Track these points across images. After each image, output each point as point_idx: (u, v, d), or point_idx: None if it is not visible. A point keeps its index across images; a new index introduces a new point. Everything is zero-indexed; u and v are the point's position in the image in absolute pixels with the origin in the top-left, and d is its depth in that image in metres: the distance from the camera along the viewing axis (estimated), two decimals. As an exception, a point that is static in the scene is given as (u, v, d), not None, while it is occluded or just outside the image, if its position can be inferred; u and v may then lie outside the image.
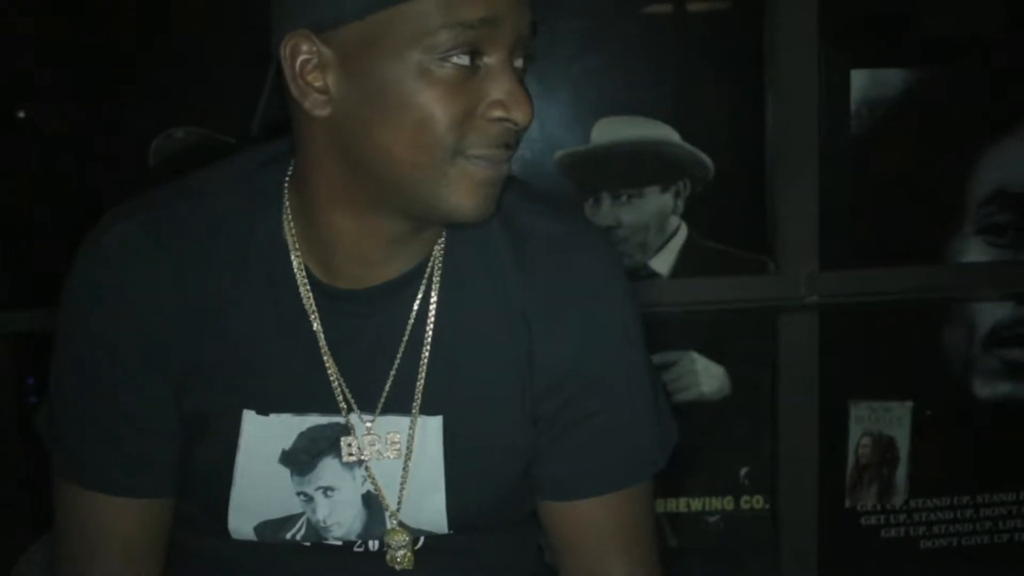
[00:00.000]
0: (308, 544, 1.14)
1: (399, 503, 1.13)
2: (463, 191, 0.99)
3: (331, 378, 1.10)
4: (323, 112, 1.00)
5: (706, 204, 2.33)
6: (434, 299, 1.11)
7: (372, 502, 1.13)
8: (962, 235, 2.37)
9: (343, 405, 1.11)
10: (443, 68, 0.95)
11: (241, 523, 1.12)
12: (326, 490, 1.12)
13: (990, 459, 2.42)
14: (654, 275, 2.35)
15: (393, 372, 1.11)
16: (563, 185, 2.29)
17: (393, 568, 1.15)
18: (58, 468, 1.12)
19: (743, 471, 2.41)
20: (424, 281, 1.11)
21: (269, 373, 1.09)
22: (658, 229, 2.34)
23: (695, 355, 2.39)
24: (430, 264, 1.11)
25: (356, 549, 1.15)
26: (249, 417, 1.09)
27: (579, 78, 2.32)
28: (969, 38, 2.38)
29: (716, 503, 2.42)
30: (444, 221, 1.04)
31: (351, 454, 1.11)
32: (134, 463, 1.10)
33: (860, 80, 2.31)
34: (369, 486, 1.13)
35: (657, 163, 2.32)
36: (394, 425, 1.12)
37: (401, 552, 1.14)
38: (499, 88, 0.97)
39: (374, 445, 1.12)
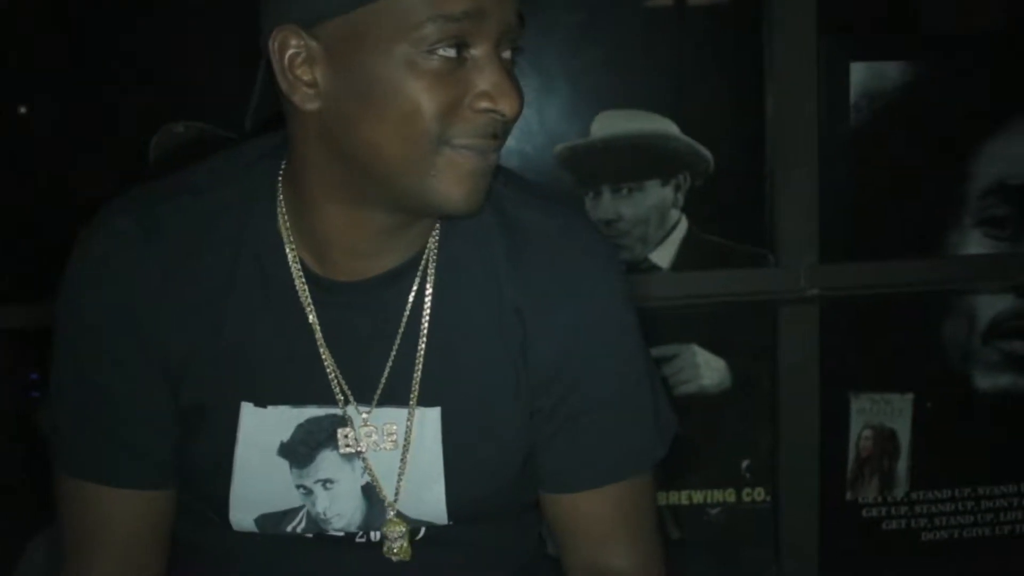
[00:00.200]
0: (310, 536, 1.15)
1: (397, 494, 1.13)
2: (451, 182, 0.99)
3: (328, 370, 1.10)
4: (312, 106, 1.00)
5: (706, 197, 2.33)
6: (429, 291, 1.11)
7: (372, 494, 1.14)
8: (962, 227, 2.37)
9: (340, 397, 1.11)
10: (429, 60, 0.96)
11: (242, 516, 1.12)
12: (325, 483, 1.13)
13: (991, 451, 2.42)
14: (655, 268, 2.35)
15: (389, 364, 1.11)
16: (563, 179, 2.30)
17: (392, 559, 1.15)
18: (59, 462, 1.13)
19: (744, 464, 2.41)
20: (419, 273, 1.11)
21: (266, 365, 1.10)
22: (658, 222, 2.34)
23: (696, 348, 2.39)
24: (425, 256, 1.12)
25: (358, 540, 1.16)
26: (247, 409, 1.10)
27: (579, 71, 2.32)
28: (969, 30, 2.38)
29: (717, 496, 2.42)
30: (434, 212, 1.04)
31: (348, 445, 1.12)
32: (134, 455, 1.10)
33: (860, 73, 2.31)
34: (367, 477, 1.13)
35: (657, 156, 2.33)
36: (391, 416, 1.12)
37: (398, 543, 1.14)
38: (485, 80, 0.98)
39: (371, 436, 1.12)
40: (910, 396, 2.39)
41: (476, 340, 1.12)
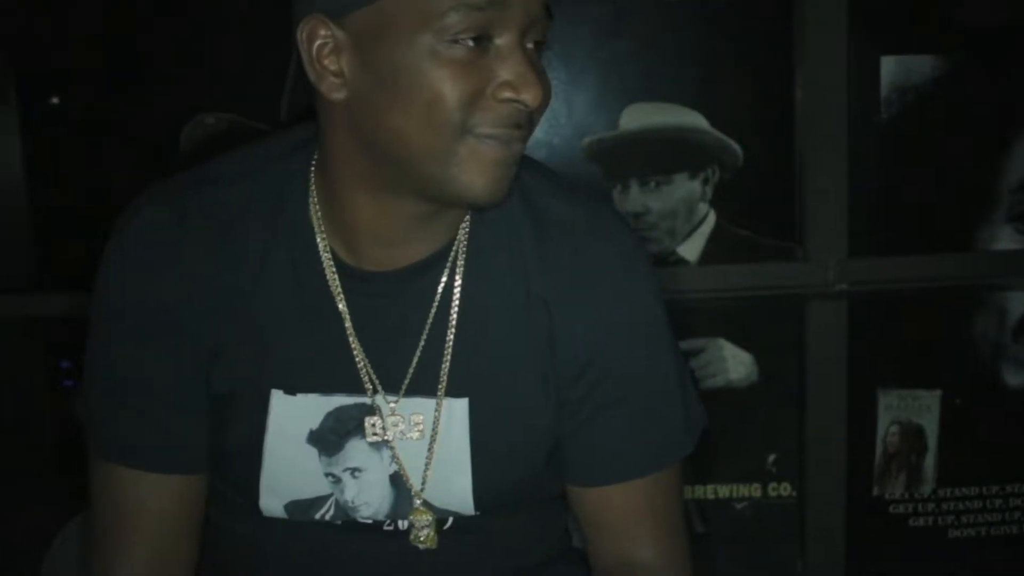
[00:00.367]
0: (338, 523, 1.16)
1: (423, 484, 1.14)
2: (474, 171, 1.00)
3: (357, 359, 1.11)
4: (339, 95, 1.01)
5: (735, 191, 2.33)
6: (458, 282, 1.12)
7: (399, 483, 1.15)
8: (993, 222, 2.35)
9: (369, 386, 1.12)
10: (452, 50, 0.96)
11: (272, 502, 1.14)
12: (354, 471, 1.14)
13: (1019, 448, 2.40)
14: (682, 262, 2.35)
15: (418, 354, 1.12)
16: (591, 171, 2.29)
17: (418, 547, 1.16)
18: (93, 447, 1.14)
19: (771, 458, 2.41)
20: (448, 264, 1.12)
21: (296, 353, 1.11)
22: (686, 216, 2.34)
23: (723, 342, 2.38)
24: (454, 247, 1.12)
25: (386, 528, 1.17)
26: (277, 396, 1.11)
27: (608, 64, 2.32)
28: (1001, 23, 2.36)
29: (743, 490, 2.42)
30: (458, 202, 1.04)
31: (375, 434, 1.13)
32: (166, 440, 1.12)
33: (890, 66, 2.30)
34: (395, 466, 1.14)
35: (686, 150, 2.32)
36: (418, 406, 1.13)
37: (424, 532, 1.15)
38: (509, 69, 0.98)
39: (398, 426, 1.13)
40: (938, 392, 2.38)
41: (504, 331, 1.13)
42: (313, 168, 1.12)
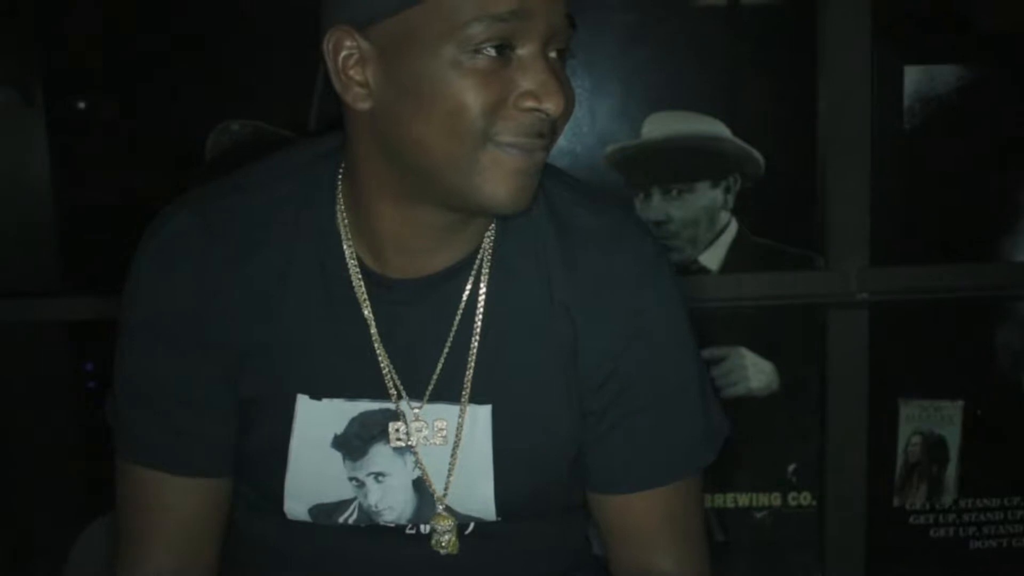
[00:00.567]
0: (361, 526, 1.16)
1: (446, 489, 1.15)
2: (496, 180, 1.00)
3: (382, 365, 1.12)
4: (364, 105, 1.02)
5: (757, 199, 2.33)
6: (483, 290, 1.12)
7: (422, 488, 1.15)
8: (1016, 232, 2.35)
9: (393, 392, 1.13)
10: (475, 60, 0.97)
11: (296, 506, 1.15)
12: (377, 476, 1.14)
13: (1042, 460, 2.40)
14: (704, 270, 2.35)
15: (442, 361, 1.13)
16: (613, 180, 2.30)
17: (440, 552, 1.17)
18: (119, 448, 1.15)
19: (791, 467, 2.40)
20: (473, 272, 1.12)
21: (322, 359, 1.12)
22: (708, 224, 2.34)
23: (744, 351, 2.38)
24: (479, 255, 1.13)
25: (408, 532, 1.17)
26: (303, 401, 1.12)
27: (630, 73, 2.32)
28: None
29: (764, 499, 2.41)
30: (481, 211, 1.05)
31: (399, 439, 1.14)
32: (192, 443, 1.13)
33: (913, 76, 2.29)
34: (418, 472, 1.15)
35: (708, 158, 2.32)
36: (442, 412, 1.13)
37: (446, 537, 1.16)
38: (531, 79, 0.99)
39: (422, 431, 1.13)
40: (960, 403, 2.37)
41: (528, 339, 1.13)
42: (340, 176, 1.13)
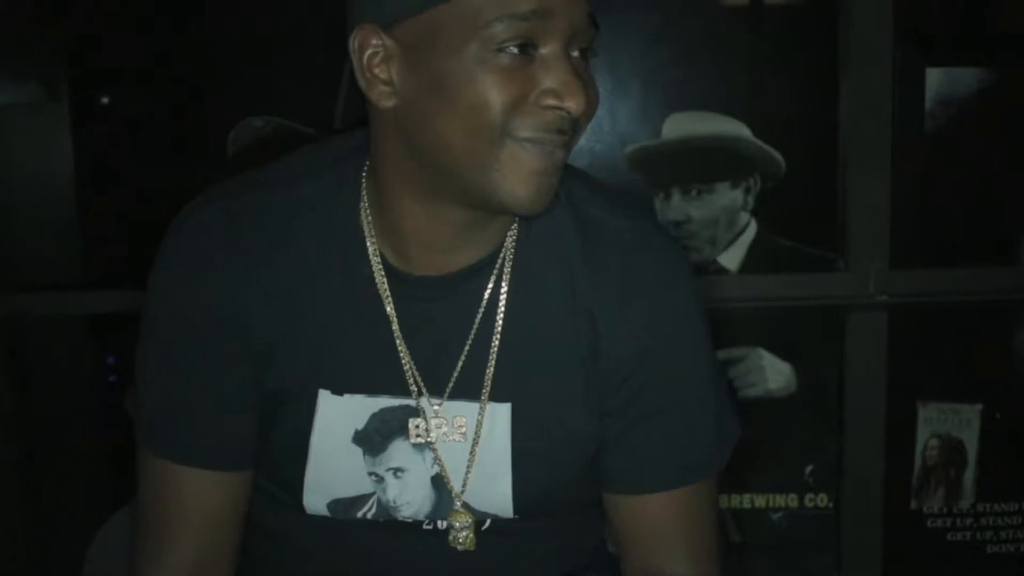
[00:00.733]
0: (379, 521, 1.17)
1: (464, 486, 1.16)
2: (515, 179, 1.01)
3: (403, 362, 1.13)
4: (388, 103, 1.03)
5: (777, 200, 2.33)
6: (504, 289, 1.13)
7: (440, 484, 1.16)
8: (1037, 236, 2.35)
9: (413, 388, 1.13)
10: (498, 58, 0.98)
11: (315, 500, 1.16)
12: (396, 471, 1.15)
13: (1061, 465, 2.39)
14: (723, 271, 2.35)
15: (463, 358, 1.13)
16: (633, 179, 2.30)
17: (457, 548, 1.18)
18: (142, 440, 1.16)
19: (808, 469, 2.40)
20: (495, 271, 1.13)
21: (344, 354, 1.12)
22: (728, 225, 2.34)
23: (762, 351, 2.38)
24: (502, 254, 1.14)
25: (425, 527, 1.18)
26: (324, 396, 1.12)
27: (651, 73, 2.32)
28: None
29: (780, 500, 2.41)
30: (502, 210, 1.06)
31: (418, 436, 1.14)
32: (215, 437, 1.14)
33: (935, 78, 2.29)
34: (437, 468, 1.16)
35: (728, 159, 2.33)
36: (461, 410, 1.14)
37: (464, 534, 1.17)
38: (553, 78, 0.99)
39: (441, 428, 1.14)
40: (978, 406, 2.36)
41: (549, 338, 1.14)
42: (365, 174, 1.13)
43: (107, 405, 2.42)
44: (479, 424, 1.14)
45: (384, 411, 1.14)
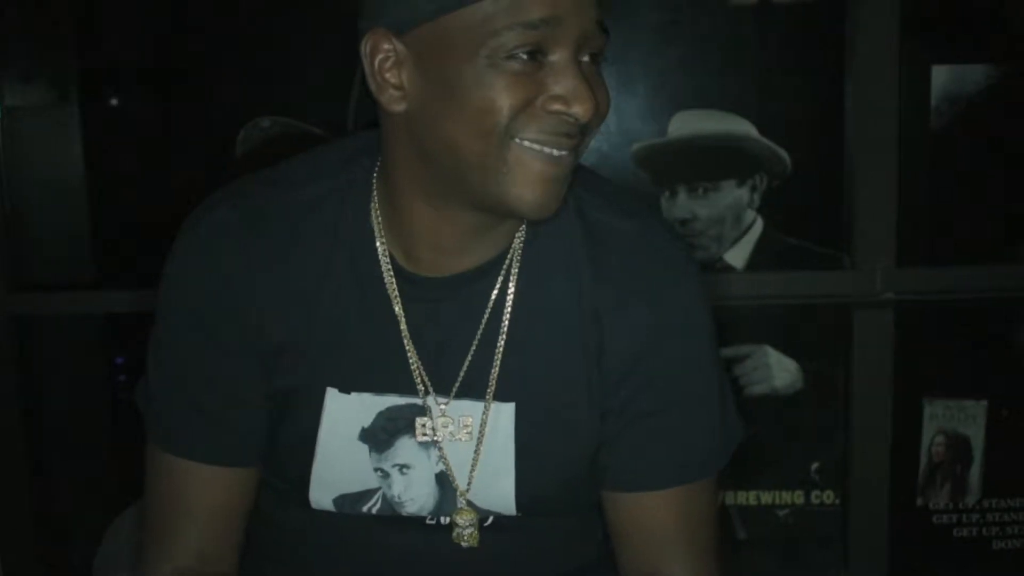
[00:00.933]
0: (384, 516, 1.18)
1: (469, 484, 1.17)
2: (522, 183, 1.02)
3: (410, 361, 1.14)
4: (399, 107, 1.04)
5: (783, 198, 2.33)
6: (511, 290, 1.14)
7: (445, 482, 1.17)
8: (1043, 234, 2.35)
9: (420, 387, 1.15)
10: (508, 63, 0.99)
11: (321, 495, 1.17)
12: (402, 467, 1.16)
13: (1067, 461, 2.39)
14: (729, 268, 2.36)
15: (469, 358, 1.14)
16: (639, 177, 2.31)
17: (460, 544, 1.19)
18: (151, 436, 1.18)
19: (814, 466, 2.41)
20: (503, 272, 1.14)
21: (352, 353, 1.14)
22: (734, 222, 2.35)
23: (768, 349, 2.39)
24: (509, 256, 1.14)
25: (429, 522, 1.19)
26: (332, 394, 1.14)
27: (657, 71, 2.33)
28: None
29: (786, 497, 2.42)
30: (509, 214, 1.07)
31: (425, 434, 1.16)
32: (223, 433, 1.15)
33: (941, 76, 2.29)
34: (442, 466, 1.17)
35: (734, 157, 2.33)
36: (467, 409, 1.15)
37: (468, 531, 1.18)
38: (561, 84, 1.00)
39: (447, 427, 1.15)
40: (984, 403, 2.37)
41: (554, 340, 1.15)
42: (375, 175, 1.15)
43: (116, 404, 2.44)
44: (484, 423, 1.15)
45: (391, 409, 1.15)
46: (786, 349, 2.39)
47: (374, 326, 1.14)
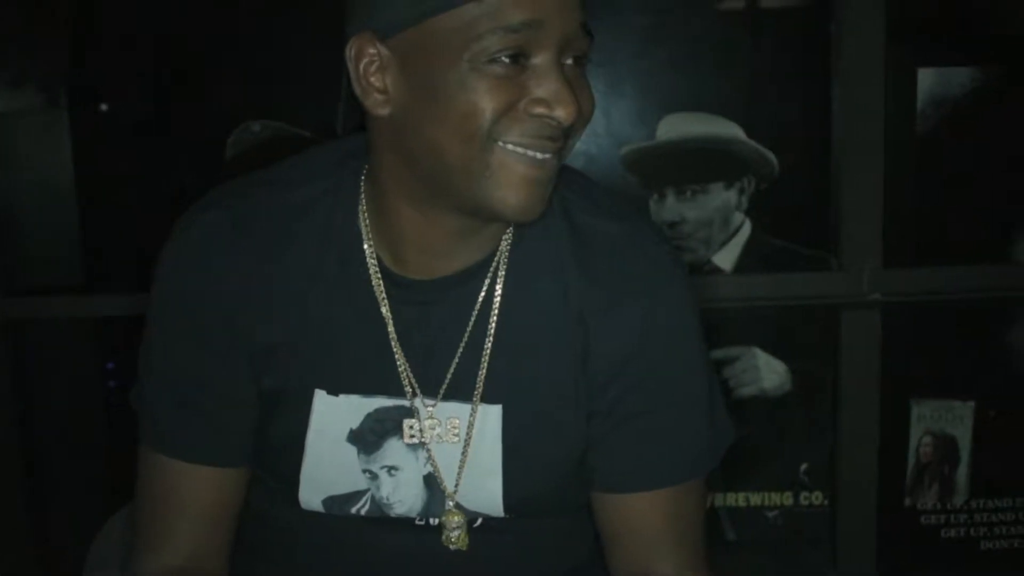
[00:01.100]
0: (373, 517, 1.19)
1: (457, 485, 1.17)
2: (506, 186, 1.03)
3: (398, 363, 1.15)
4: (383, 111, 1.05)
5: (770, 200, 2.35)
6: (498, 292, 1.15)
7: (433, 483, 1.18)
8: (1028, 234, 2.36)
9: (408, 389, 1.15)
10: (490, 67, 0.99)
11: (310, 496, 1.18)
12: (390, 469, 1.17)
13: (1053, 461, 2.41)
14: (717, 271, 2.37)
15: (456, 360, 1.15)
16: (628, 180, 2.32)
17: (449, 547, 1.19)
18: (143, 436, 1.19)
19: (803, 467, 2.42)
20: (489, 275, 1.15)
21: (340, 355, 1.14)
22: (722, 225, 2.36)
23: (757, 351, 2.40)
24: (496, 258, 1.15)
25: (418, 523, 1.20)
26: (320, 396, 1.14)
27: (645, 74, 2.34)
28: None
29: (775, 498, 2.43)
30: (494, 217, 1.07)
31: (412, 436, 1.16)
32: (212, 434, 1.16)
33: (927, 79, 2.31)
34: (430, 468, 1.17)
35: (722, 160, 2.34)
36: (455, 411, 1.16)
37: (456, 533, 1.19)
38: (544, 88, 1.01)
39: (435, 429, 1.16)
40: (971, 404, 2.38)
41: (541, 342, 1.15)
42: (363, 178, 1.15)
43: (108, 408, 2.44)
44: (471, 425, 1.16)
45: (379, 411, 1.16)
46: (775, 351, 2.40)
47: (362, 328, 1.14)
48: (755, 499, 2.43)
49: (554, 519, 1.24)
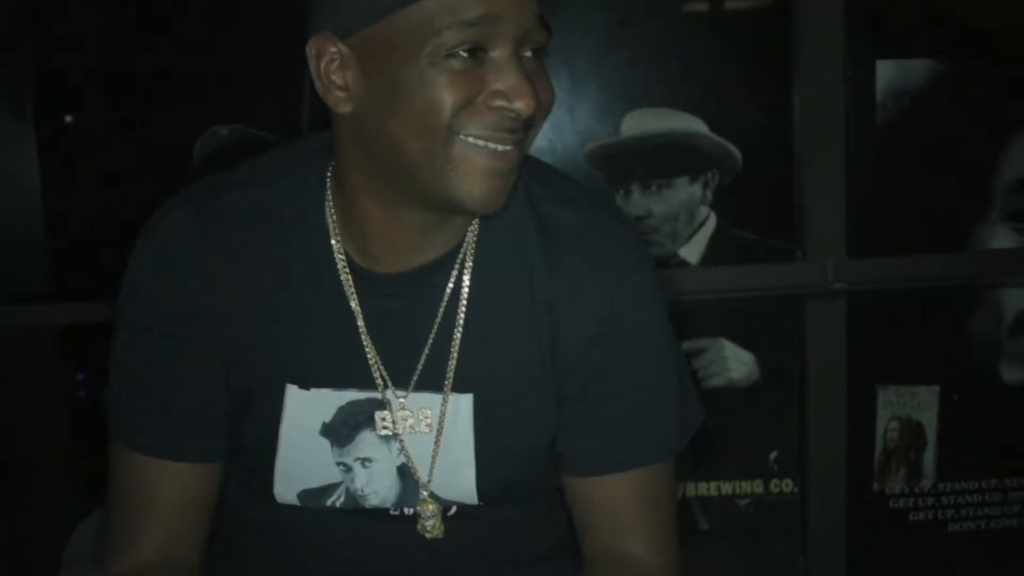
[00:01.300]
0: (348, 509, 1.20)
1: (430, 475, 1.19)
2: (469, 178, 1.04)
3: (368, 356, 1.16)
4: (345, 108, 1.06)
5: (735, 194, 2.37)
6: (466, 283, 1.16)
7: (407, 474, 1.19)
8: (989, 222, 2.39)
9: (379, 382, 1.17)
10: (449, 61, 1.01)
11: (285, 490, 1.19)
12: (364, 461, 1.18)
13: (1017, 442, 2.44)
14: (684, 264, 2.39)
15: (426, 351, 1.16)
16: (594, 177, 2.33)
17: (425, 536, 1.21)
18: (114, 434, 1.20)
19: (772, 455, 2.44)
20: (457, 266, 1.16)
21: (311, 350, 1.16)
22: (687, 219, 2.38)
23: (724, 342, 2.42)
24: (463, 250, 1.17)
25: (392, 513, 1.21)
26: (292, 391, 1.16)
27: (610, 71, 2.36)
28: (995, 27, 2.39)
29: (746, 487, 2.45)
30: (458, 210, 1.08)
31: (385, 427, 1.18)
32: (184, 431, 1.17)
33: (886, 71, 2.34)
34: (403, 458, 1.19)
35: (686, 154, 2.36)
36: (426, 402, 1.17)
37: (431, 522, 1.20)
38: (502, 80, 1.02)
39: (407, 420, 1.17)
40: (936, 389, 2.41)
41: (509, 331, 1.17)
42: (329, 175, 1.17)
43: (77, 418, 2.43)
44: (443, 415, 1.17)
45: (351, 404, 1.17)
46: (742, 341, 2.42)
47: (331, 323, 1.16)
48: (726, 488, 2.45)
49: (527, 505, 1.26)
